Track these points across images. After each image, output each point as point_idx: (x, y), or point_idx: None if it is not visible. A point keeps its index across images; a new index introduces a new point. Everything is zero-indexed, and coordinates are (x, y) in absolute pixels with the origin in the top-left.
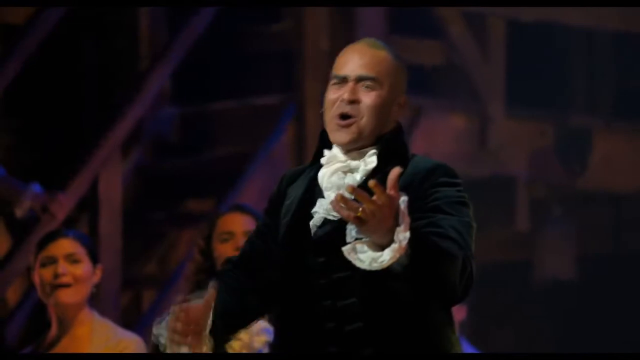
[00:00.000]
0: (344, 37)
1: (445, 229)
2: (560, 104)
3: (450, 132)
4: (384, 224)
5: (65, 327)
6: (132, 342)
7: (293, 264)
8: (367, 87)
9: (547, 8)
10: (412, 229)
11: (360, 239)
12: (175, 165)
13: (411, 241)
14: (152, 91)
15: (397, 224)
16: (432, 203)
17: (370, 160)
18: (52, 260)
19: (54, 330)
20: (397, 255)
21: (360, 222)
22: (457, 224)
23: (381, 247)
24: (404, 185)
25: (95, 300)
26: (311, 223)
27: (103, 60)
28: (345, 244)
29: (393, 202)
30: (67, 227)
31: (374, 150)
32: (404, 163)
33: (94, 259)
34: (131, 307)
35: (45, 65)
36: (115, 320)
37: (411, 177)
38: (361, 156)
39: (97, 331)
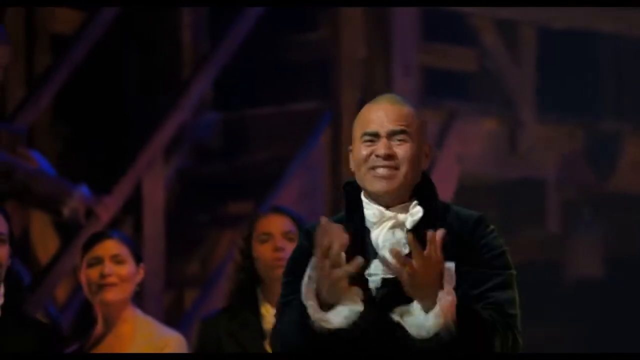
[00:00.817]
0: (379, 45)
1: (495, 297)
2: (590, 108)
3: (483, 136)
4: (430, 282)
5: (110, 324)
6: (173, 340)
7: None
8: (399, 140)
9: (577, 15)
10: (459, 298)
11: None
12: (215, 169)
13: (459, 312)
14: (193, 98)
15: (441, 286)
16: (482, 257)
17: (416, 212)
18: (98, 261)
19: (99, 327)
20: (442, 321)
21: (410, 277)
22: (505, 291)
23: (427, 310)
24: (457, 235)
25: (139, 299)
26: (371, 286)
27: (147, 69)
28: (407, 300)
29: (438, 263)
30: (112, 228)
31: (415, 202)
32: (443, 213)
33: (138, 258)
34: (174, 306)
35: (92, 73)
36: (159, 319)
37: (461, 227)
38: (405, 210)
39: (140, 328)
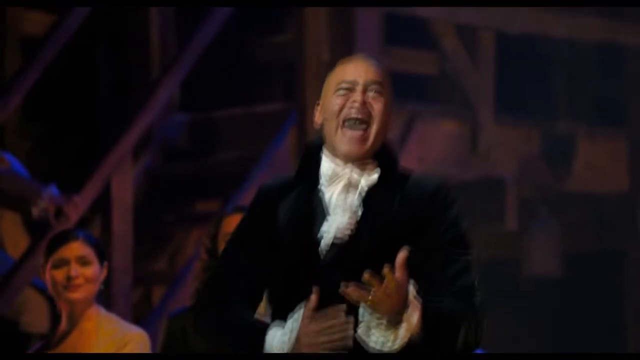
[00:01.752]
0: (343, 49)
1: (460, 283)
2: (546, 111)
3: (443, 137)
4: (394, 307)
5: (74, 322)
6: (136, 335)
7: (302, 285)
8: (376, 92)
9: (533, 20)
10: (424, 304)
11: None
12: (183, 169)
13: (424, 316)
14: (161, 99)
15: (406, 305)
16: (442, 232)
17: (372, 176)
18: (65, 262)
19: (63, 325)
20: (406, 339)
21: (371, 306)
22: (469, 275)
23: (393, 325)
24: (414, 203)
25: (107, 296)
26: (321, 246)
27: (117, 70)
28: (355, 265)
29: (401, 287)
30: (82, 227)
31: (374, 164)
32: (401, 179)
33: (102, 257)
34: (142, 303)
35: (62, 74)
36: (127, 315)
37: (418, 195)
38: (361, 168)
39: (104, 325)
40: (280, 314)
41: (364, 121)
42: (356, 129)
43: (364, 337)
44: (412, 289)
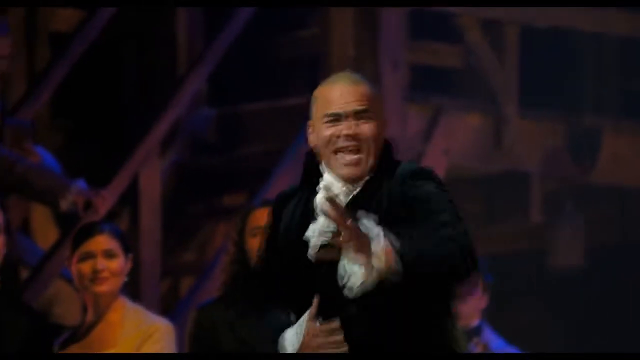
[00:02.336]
0: (368, 43)
1: (433, 212)
2: (571, 104)
3: (468, 131)
4: (358, 241)
5: (100, 313)
6: (161, 326)
7: (302, 286)
8: (363, 119)
9: (559, 14)
10: (399, 236)
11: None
12: (210, 162)
13: (401, 252)
14: (189, 93)
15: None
16: (417, 191)
17: (357, 188)
18: (91, 256)
19: (89, 316)
20: (384, 266)
21: (345, 249)
22: (442, 202)
23: (367, 263)
24: (393, 191)
25: (132, 288)
26: (310, 247)
27: (145, 66)
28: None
29: (355, 232)
30: (110, 220)
31: (367, 177)
32: (386, 181)
33: (127, 250)
34: (170, 294)
35: (91, 69)
36: (155, 307)
37: (397, 182)
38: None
39: (129, 316)
40: (296, 312)
41: (356, 148)
42: (350, 154)
43: (350, 285)
44: (370, 225)
